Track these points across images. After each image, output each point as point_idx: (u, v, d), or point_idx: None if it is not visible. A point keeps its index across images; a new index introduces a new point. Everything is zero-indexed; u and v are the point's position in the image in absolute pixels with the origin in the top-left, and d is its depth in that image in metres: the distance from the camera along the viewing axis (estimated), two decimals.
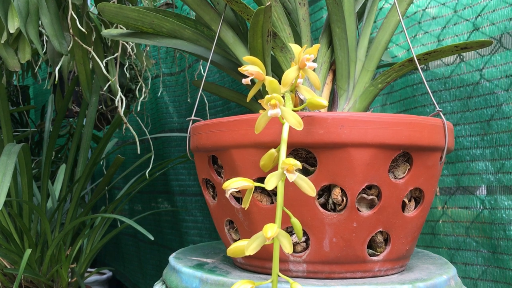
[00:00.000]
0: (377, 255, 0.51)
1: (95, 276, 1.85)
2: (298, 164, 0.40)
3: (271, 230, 0.38)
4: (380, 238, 0.51)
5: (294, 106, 0.48)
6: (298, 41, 0.62)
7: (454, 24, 0.78)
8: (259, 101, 0.52)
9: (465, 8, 0.76)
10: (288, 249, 0.40)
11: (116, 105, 0.89)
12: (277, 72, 0.61)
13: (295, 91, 0.50)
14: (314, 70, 0.50)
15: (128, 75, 1.18)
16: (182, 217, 1.45)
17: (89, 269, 1.45)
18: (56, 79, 0.81)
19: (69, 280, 1.14)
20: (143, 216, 1.35)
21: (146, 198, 1.71)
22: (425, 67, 0.81)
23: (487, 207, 0.73)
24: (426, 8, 0.82)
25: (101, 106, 1.41)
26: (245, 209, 0.48)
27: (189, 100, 1.26)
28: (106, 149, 1.38)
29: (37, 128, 1.78)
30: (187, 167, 1.42)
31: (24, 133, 1.60)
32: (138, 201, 1.78)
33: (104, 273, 1.92)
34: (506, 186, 0.71)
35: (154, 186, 1.61)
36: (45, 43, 1.04)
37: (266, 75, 0.47)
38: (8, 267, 1.09)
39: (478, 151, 0.75)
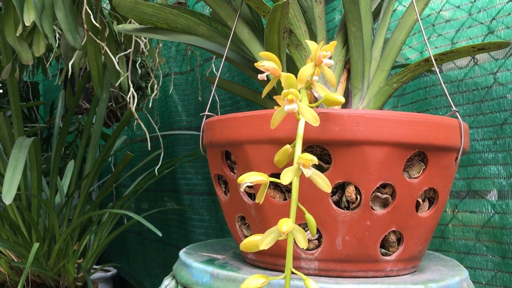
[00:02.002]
0: (390, 254, 0.51)
1: (100, 273, 1.85)
2: (315, 159, 0.40)
3: (286, 224, 0.38)
4: (393, 237, 0.51)
5: (309, 103, 0.48)
6: (313, 39, 0.62)
7: (469, 27, 0.78)
8: (275, 97, 0.52)
9: (480, 11, 0.76)
10: (302, 244, 0.39)
11: (127, 101, 0.89)
12: (291, 70, 0.61)
13: (309, 89, 0.50)
14: (329, 68, 0.49)
15: (139, 72, 1.19)
16: (189, 216, 1.46)
17: (94, 266, 1.45)
18: (69, 74, 0.81)
19: (76, 275, 1.14)
20: (149, 214, 1.36)
21: (152, 197, 1.71)
22: (439, 70, 0.80)
23: (498, 212, 0.73)
24: (441, 10, 0.82)
25: (110, 103, 1.41)
26: (259, 204, 0.48)
27: (200, 99, 1.26)
28: (114, 146, 1.39)
29: (46, 124, 1.79)
30: (194, 166, 1.42)
31: (33, 128, 1.61)
32: (145, 199, 1.78)
33: (109, 270, 1.92)
34: None
35: (161, 185, 1.61)
36: (56, 39, 1.05)
37: (282, 71, 0.47)
38: (16, 260, 1.09)
39: (490, 155, 0.74)
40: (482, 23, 0.76)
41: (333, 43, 0.46)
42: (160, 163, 1.04)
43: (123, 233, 1.89)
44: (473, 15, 0.77)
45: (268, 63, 0.47)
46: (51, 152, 1.38)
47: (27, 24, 0.71)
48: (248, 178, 0.42)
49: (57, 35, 1.09)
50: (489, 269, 0.74)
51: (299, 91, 0.47)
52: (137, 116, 0.88)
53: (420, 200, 0.51)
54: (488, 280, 0.75)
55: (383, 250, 0.51)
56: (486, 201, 0.75)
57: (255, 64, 0.47)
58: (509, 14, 0.72)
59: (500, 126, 0.72)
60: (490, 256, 0.74)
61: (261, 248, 0.40)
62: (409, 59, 0.87)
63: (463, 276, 0.52)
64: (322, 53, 0.46)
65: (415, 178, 0.49)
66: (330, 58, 0.47)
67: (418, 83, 0.84)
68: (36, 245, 0.93)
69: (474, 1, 0.77)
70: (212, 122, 0.54)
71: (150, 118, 1.06)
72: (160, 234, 0.89)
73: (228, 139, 0.51)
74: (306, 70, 0.46)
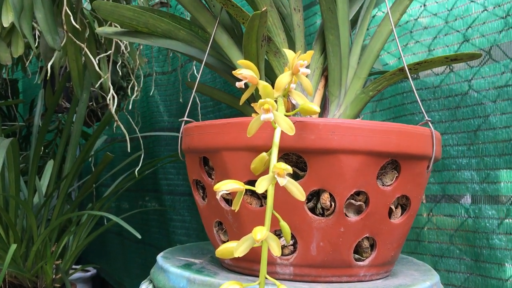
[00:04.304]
0: (363, 260, 0.52)
1: (79, 273, 1.84)
2: (289, 169, 0.40)
3: (260, 232, 0.39)
4: (366, 243, 0.52)
5: (286, 111, 0.49)
6: (292, 46, 0.63)
7: (445, 35, 0.79)
8: (252, 104, 0.52)
9: (456, 19, 0.78)
10: (276, 252, 0.40)
11: (108, 102, 0.89)
12: (270, 76, 0.62)
13: (287, 96, 0.51)
14: (307, 76, 0.50)
15: (120, 72, 1.18)
16: (170, 216, 1.45)
17: (73, 266, 1.44)
18: (49, 74, 0.81)
19: (54, 276, 1.14)
20: (130, 214, 1.35)
21: (133, 196, 1.71)
22: (415, 76, 0.82)
23: (472, 216, 0.74)
24: (418, 18, 0.84)
25: (91, 103, 1.40)
26: (235, 211, 0.49)
27: (181, 100, 1.26)
28: (95, 146, 1.38)
29: (25, 122, 1.77)
30: (176, 167, 1.42)
31: (12, 127, 1.59)
32: (125, 199, 1.77)
33: (88, 271, 1.91)
34: (491, 196, 0.72)
35: (142, 185, 1.61)
36: (37, 37, 1.04)
37: (260, 79, 0.48)
38: None
39: (464, 161, 0.76)
40: (458, 31, 0.77)
41: (310, 52, 0.47)
42: (140, 164, 1.04)
43: (103, 233, 1.87)
44: (449, 23, 0.79)
45: (246, 71, 0.47)
46: (29, 151, 1.36)
47: (5, 25, 0.71)
48: (224, 186, 0.42)
49: (37, 32, 1.08)
50: (462, 272, 0.76)
51: (276, 99, 0.47)
52: (117, 119, 0.88)
53: (393, 207, 0.53)
54: (461, 282, 0.76)
55: (356, 256, 0.52)
56: (460, 205, 0.76)
57: (233, 72, 0.47)
58: (484, 23, 0.74)
59: (474, 132, 0.74)
60: (463, 259, 0.76)
61: (236, 255, 0.40)
62: (387, 64, 0.88)
63: (434, 281, 0.54)
64: (299, 62, 0.46)
65: (388, 185, 0.51)
66: (307, 67, 0.48)
67: (395, 89, 0.86)
68: (13, 246, 0.92)
69: (451, 9, 0.79)
70: (190, 128, 0.55)
71: (131, 119, 1.06)
72: (139, 236, 0.89)
73: (206, 146, 0.52)
74: (283, 79, 0.47)
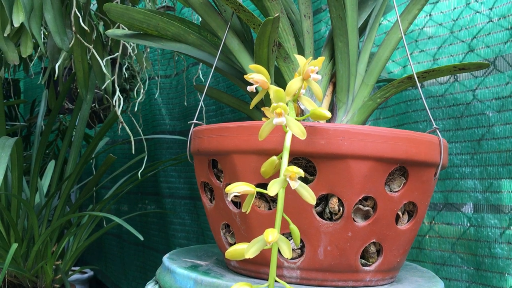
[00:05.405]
0: (369, 265, 0.52)
1: (76, 274, 1.83)
2: (301, 172, 0.41)
3: (272, 234, 0.39)
4: (373, 248, 0.52)
5: (296, 116, 0.50)
6: (301, 52, 0.63)
7: (450, 45, 0.80)
8: (263, 108, 0.53)
9: (461, 30, 0.79)
10: (287, 254, 0.41)
11: (113, 104, 0.90)
12: (278, 81, 0.62)
13: (296, 101, 0.52)
14: (316, 82, 0.51)
15: (126, 75, 1.19)
16: (170, 220, 1.45)
17: (72, 268, 1.44)
18: (56, 75, 0.81)
19: (53, 277, 1.14)
20: (130, 216, 1.35)
21: (133, 199, 1.71)
22: (420, 85, 0.83)
23: (474, 225, 0.75)
24: (424, 27, 0.84)
25: (94, 104, 1.40)
26: (244, 213, 0.49)
27: (185, 104, 1.26)
28: (97, 148, 1.38)
29: (26, 122, 1.77)
30: (177, 170, 1.43)
31: (13, 127, 1.59)
32: (125, 201, 1.77)
33: (85, 272, 1.91)
34: (493, 205, 0.72)
35: (142, 187, 1.61)
36: (42, 38, 1.04)
37: (270, 84, 0.48)
38: None
39: (467, 169, 0.76)
40: (463, 41, 0.78)
41: (321, 58, 0.48)
42: (143, 166, 1.04)
43: (102, 235, 1.87)
44: (454, 33, 0.80)
45: (257, 76, 0.48)
46: (31, 151, 1.36)
47: (16, 25, 0.71)
48: (236, 188, 0.43)
49: (42, 34, 1.08)
50: (464, 280, 0.77)
51: (287, 104, 0.48)
52: (122, 120, 0.88)
53: (400, 213, 0.53)
54: None
55: (363, 261, 0.52)
56: (462, 214, 0.77)
57: (245, 76, 0.48)
58: (489, 33, 0.74)
59: (478, 142, 0.75)
60: (465, 268, 0.77)
61: (247, 257, 0.41)
62: (392, 72, 0.89)
63: (439, 287, 0.54)
64: (310, 68, 0.47)
65: (396, 191, 0.51)
66: (317, 73, 0.48)
67: (400, 97, 0.86)
68: (14, 246, 0.92)
69: (456, 20, 0.80)
70: (200, 131, 0.55)
71: (135, 121, 1.07)
72: (142, 238, 0.89)
73: (216, 148, 0.52)
74: (294, 84, 0.48)
